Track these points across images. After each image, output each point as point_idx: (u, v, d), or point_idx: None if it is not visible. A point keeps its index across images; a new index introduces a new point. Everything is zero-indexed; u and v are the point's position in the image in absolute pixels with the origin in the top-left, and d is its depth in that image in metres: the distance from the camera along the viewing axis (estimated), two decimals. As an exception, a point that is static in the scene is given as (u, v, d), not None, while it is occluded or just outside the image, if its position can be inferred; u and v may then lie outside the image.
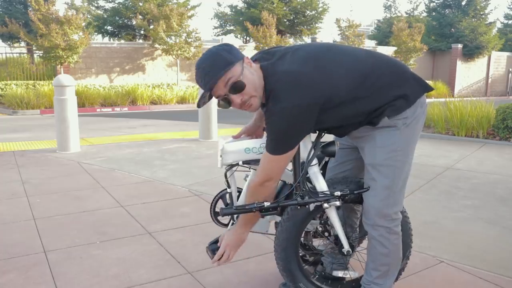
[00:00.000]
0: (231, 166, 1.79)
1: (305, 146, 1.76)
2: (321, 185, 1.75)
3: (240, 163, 1.76)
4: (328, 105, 1.55)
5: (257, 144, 1.75)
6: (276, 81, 1.52)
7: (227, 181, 1.87)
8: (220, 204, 1.96)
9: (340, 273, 1.98)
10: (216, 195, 1.97)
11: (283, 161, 1.58)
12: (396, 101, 1.62)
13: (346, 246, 1.84)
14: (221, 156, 1.75)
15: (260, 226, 1.94)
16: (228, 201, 1.93)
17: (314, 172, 1.76)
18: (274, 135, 1.54)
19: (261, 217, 1.83)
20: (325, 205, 1.71)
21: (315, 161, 1.76)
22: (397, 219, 1.73)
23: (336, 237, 1.87)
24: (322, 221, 1.95)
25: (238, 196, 1.92)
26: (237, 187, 1.93)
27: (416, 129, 1.70)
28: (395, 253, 1.77)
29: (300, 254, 2.02)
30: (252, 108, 1.57)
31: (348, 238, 1.87)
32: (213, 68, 1.47)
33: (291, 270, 1.83)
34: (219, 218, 1.96)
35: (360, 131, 1.70)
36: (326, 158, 1.95)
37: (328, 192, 1.72)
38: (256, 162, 1.75)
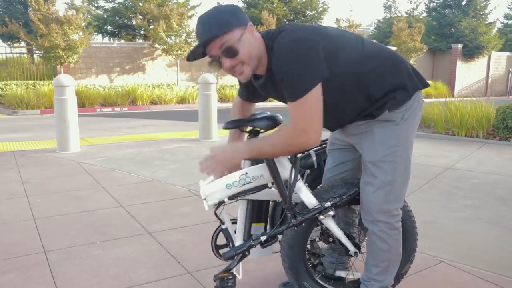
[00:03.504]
0: (218, 204, 1.77)
1: (284, 166, 1.75)
2: (309, 199, 1.74)
3: (226, 200, 1.74)
4: (329, 62, 1.50)
5: (236, 178, 1.72)
6: (277, 31, 1.53)
7: (219, 219, 1.86)
8: (221, 237, 1.96)
9: (342, 273, 1.98)
10: (215, 230, 1.97)
11: (312, 106, 1.47)
12: (396, 92, 1.61)
13: (351, 249, 1.84)
14: (205, 199, 1.73)
15: (265, 251, 1.94)
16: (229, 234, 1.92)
17: (299, 187, 1.74)
18: (286, 78, 1.47)
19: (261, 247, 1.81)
20: (321, 216, 1.71)
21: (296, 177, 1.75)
22: (398, 215, 1.72)
23: (340, 242, 1.87)
24: (323, 228, 1.94)
25: (235, 228, 1.93)
26: (231, 219, 1.93)
27: (413, 124, 1.69)
28: (396, 249, 1.76)
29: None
30: (242, 76, 1.54)
31: (353, 238, 1.87)
32: (212, 27, 1.45)
33: (296, 269, 1.82)
34: (221, 251, 1.95)
35: (358, 127, 1.69)
36: (307, 171, 1.95)
37: (319, 206, 1.70)
38: (241, 194, 1.74)
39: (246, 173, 1.73)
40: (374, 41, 1.67)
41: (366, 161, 1.69)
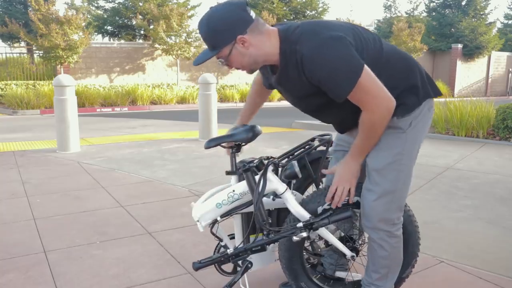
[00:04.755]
0: (212, 224, 1.80)
1: (269, 179, 1.75)
2: (296, 209, 1.73)
3: (219, 218, 1.77)
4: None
5: (224, 196, 1.76)
6: (299, 30, 1.53)
7: (216, 237, 1.88)
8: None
9: (341, 274, 1.97)
10: (216, 247, 1.98)
11: (369, 82, 1.47)
12: (407, 97, 1.59)
13: (347, 253, 1.84)
14: (197, 221, 1.76)
15: (268, 259, 1.94)
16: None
17: (286, 199, 1.74)
18: (336, 69, 1.45)
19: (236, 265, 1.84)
20: (294, 238, 1.67)
21: (283, 188, 1.74)
22: (398, 223, 1.70)
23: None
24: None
25: (232, 238, 1.95)
26: (229, 235, 1.95)
27: (421, 132, 1.66)
28: (395, 256, 1.75)
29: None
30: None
31: (351, 240, 1.87)
32: (207, 44, 1.55)
33: (294, 270, 1.83)
34: (223, 267, 1.95)
35: None
36: (294, 181, 1.95)
37: (290, 227, 1.70)
38: (233, 211, 1.78)
39: (234, 191, 1.76)
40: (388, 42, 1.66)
41: (370, 168, 1.66)
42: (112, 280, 2.20)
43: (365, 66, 1.48)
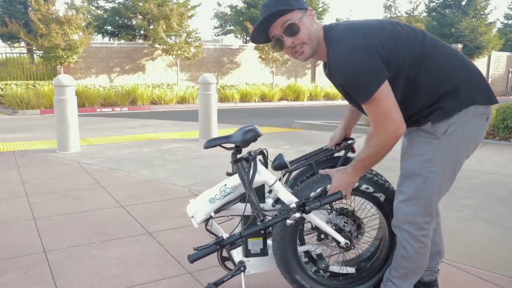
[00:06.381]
0: (207, 220, 1.81)
1: (258, 172, 1.76)
2: (288, 197, 1.75)
3: (213, 214, 1.78)
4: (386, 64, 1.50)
5: (216, 190, 1.78)
6: (334, 34, 1.56)
7: (212, 233, 1.89)
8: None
9: (336, 268, 1.97)
10: None
11: (383, 101, 1.48)
12: (446, 101, 1.53)
13: (341, 240, 1.84)
14: (192, 217, 1.78)
15: (270, 264, 1.94)
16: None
17: (277, 189, 1.76)
18: (350, 85, 1.50)
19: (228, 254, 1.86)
20: (288, 221, 1.67)
21: (272, 180, 1.76)
22: (426, 229, 1.68)
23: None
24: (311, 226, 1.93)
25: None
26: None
27: (462, 140, 1.57)
28: (417, 261, 1.72)
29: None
30: (303, 56, 1.59)
31: (341, 231, 1.87)
32: (277, 3, 1.53)
33: (288, 261, 1.83)
34: (226, 263, 1.96)
35: (407, 130, 1.68)
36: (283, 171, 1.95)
37: (284, 208, 1.69)
38: (227, 205, 1.79)
39: (225, 185, 1.78)
40: (439, 40, 1.63)
41: (401, 171, 1.68)
42: (112, 280, 2.20)
43: (385, 84, 1.48)
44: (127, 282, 2.18)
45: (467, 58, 1.62)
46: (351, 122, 1.99)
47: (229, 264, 1.98)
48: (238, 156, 1.84)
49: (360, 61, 1.46)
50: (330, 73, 1.63)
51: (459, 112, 1.54)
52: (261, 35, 1.60)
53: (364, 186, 1.81)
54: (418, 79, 1.54)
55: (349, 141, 1.97)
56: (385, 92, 1.48)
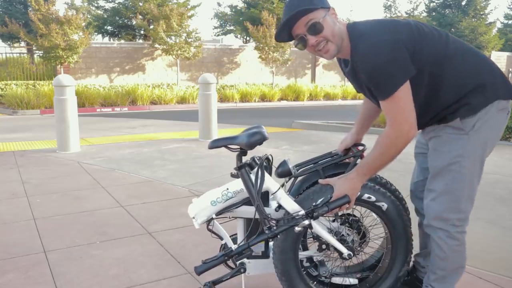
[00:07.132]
0: (208, 222, 1.80)
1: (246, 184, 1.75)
2: (291, 206, 1.73)
3: (214, 216, 1.77)
4: (413, 56, 1.51)
5: (218, 194, 1.77)
6: (360, 30, 1.56)
7: (214, 233, 1.88)
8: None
9: (338, 280, 1.93)
10: (221, 246, 1.98)
11: (403, 100, 1.49)
12: (472, 97, 1.55)
13: (344, 251, 1.81)
14: (193, 217, 1.77)
15: (270, 267, 1.92)
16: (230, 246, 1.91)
17: (280, 197, 1.74)
18: (373, 80, 1.51)
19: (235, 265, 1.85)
20: (297, 228, 1.66)
21: (275, 187, 1.74)
22: (460, 226, 1.66)
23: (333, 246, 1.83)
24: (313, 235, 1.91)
25: (234, 237, 1.93)
26: (231, 236, 1.93)
27: (489, 135, 1.59)
28: (454, 260, 1.70)
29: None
30: (328, 54, 1.59)
31: (344, 241, 1.83)
32: (300, 2, 1.54)
33: (290, 275, 1.79)
34: (228, 262, 1.96)
35: (432, 130, 1.67)
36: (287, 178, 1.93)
37: (292, 216, 1.67)
38: (228, 208, 1.78)
39: (227, 189, 1.77)
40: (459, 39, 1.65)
41: (430, 168, 1.67)
42: (112, 280, 2.20)
43: (407, 82, 1.49)
44: (127, 282, 2.18)
45: (487, 57, 1.64)
46: (363, 128, 1.97)
47: (230, 262, 1.97)
48: (243, 158, 1.81)
49: (388, 55, 1.46)
50: (351, 70, 1.62)
51: (486, 107, 1.56)
52: (284, 33, 1.60)
53: (366, 196, 1.76)
54: (442, 76, 1.55)
55: (360, 147, 1.92)
56: (406, 91, 1.50)
